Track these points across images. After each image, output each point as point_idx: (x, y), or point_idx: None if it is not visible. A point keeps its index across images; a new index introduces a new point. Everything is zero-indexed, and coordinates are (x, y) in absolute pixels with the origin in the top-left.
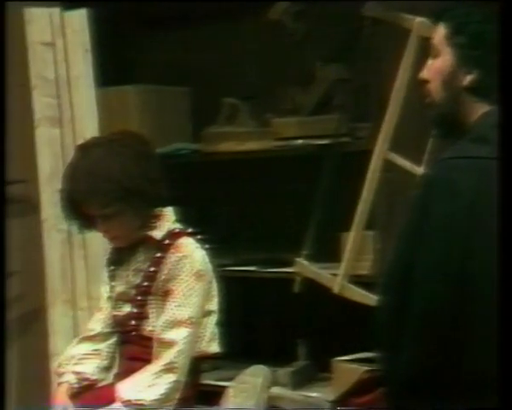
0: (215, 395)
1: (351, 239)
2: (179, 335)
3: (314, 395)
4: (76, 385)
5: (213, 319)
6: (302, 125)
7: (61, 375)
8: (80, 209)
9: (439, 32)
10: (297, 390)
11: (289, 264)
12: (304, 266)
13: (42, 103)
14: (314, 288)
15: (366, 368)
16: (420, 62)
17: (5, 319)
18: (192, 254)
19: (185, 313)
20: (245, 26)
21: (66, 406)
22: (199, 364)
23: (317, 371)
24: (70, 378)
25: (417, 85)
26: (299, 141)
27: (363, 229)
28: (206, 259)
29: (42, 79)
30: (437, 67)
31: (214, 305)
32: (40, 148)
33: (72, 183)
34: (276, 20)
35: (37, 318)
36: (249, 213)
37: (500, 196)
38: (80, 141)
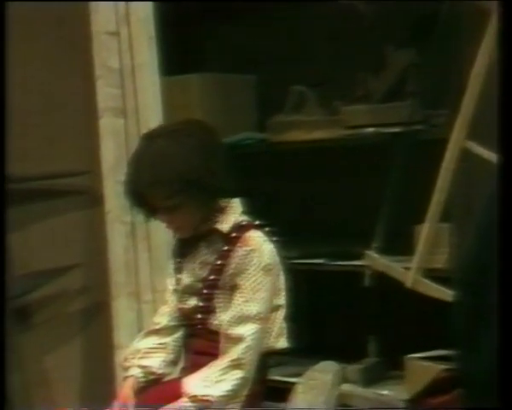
0: (282, 391)
1: (425, 231)
2: (247, 331)
3: (387, 393)
4: (142, 379)
5: (281, 313)
6: (373, 112)
7: (126, 369)
8: (144, 200)
9: None
10: (368, 388)
11: (359, 257)
12: (374, 259)
13: (106, 93)
14: (385, 282)
15: (442, 367)
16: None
17: (5, 319)
18: (260, 247)
19: (253, 308)
20: (314, 11)
21: (127, 403)
22: (266, 359)
23: (387, 369)
24: (136, 372)
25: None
26: (370, 129)
27: (438, 221)
28: (275, 252)
29: (106, 69)
30: None
31: (282, 299)
32: (104, 138)
33: (136, 173)
34: (347, 4)
35: (101, 311)
36: (318, 205)
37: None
38: (145, 131)
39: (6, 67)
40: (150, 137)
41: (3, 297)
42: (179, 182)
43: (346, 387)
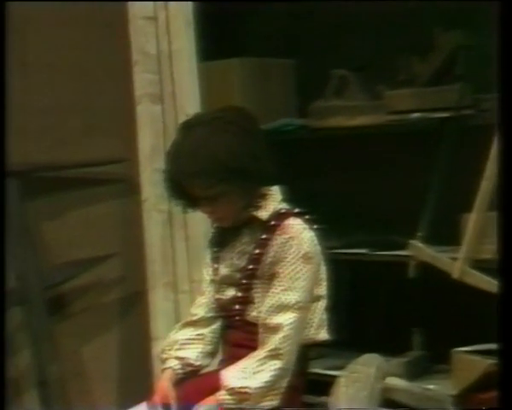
0: (324, 384)
1: (473, 220)
2: (285, 320)
3: (433, 388)
4: (180, 371)
5: (322, 304)
6: (419, 96)
7: (164, 361)
8: (184, 190)
9: None
10: (413, 382)
11: (403, 247)
12: (419, 249)
13: (143, 79)
14: (430, 273)
15: (491, 361)
16: None
17: (5, 318)
18: (299, 235)
19: (292, 297)
20: None
21: (167, 397)
22: (307, 351)
23: (433, 363)
24: (173, 364)
25: None
26: (416, 114)
27: (487, 209)
28: (315, 240)
29: (143, 55)
30: None
31: (323, 290)
32: (141, 125)
33: (176, 163)
34: None
35: (137, 301)
36: (360, 192)
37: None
38: (182, 118)
39: (6, 66)
40: (190, 126)
41: (3, 297)
42: (221, 171)
43: (390, 381)
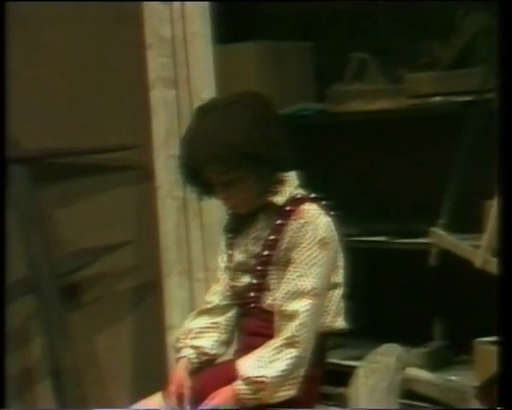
0: (342, 375)
1: (495, 207)
2: (301, 306)
3: (455, 379)
4: (195, 360)
5: (339, 292)
6: (440, 80)
7: (179, 350)
8: (199, 176)
9: None
10: (434, 373)
11: (424, 234)
12: (441, 237)
13: (157, 63)
14: (452, 261)
15: None
16: None
17: (5, 317)
18: (315, 220)
19: (308, 283)
20: None
21: (183, 386)
22: (324, 340)
23: (454, 353)
24: (189, 353)
25: None
26: (437, 98)
27: None
28: (332, 226)
29: (157, 38)
30: None
31: (340, 277)
32: (155, 110)
33: (191, 149)
34: None
35: (151, 290)
36: (379, 179)
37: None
38: (197, 103)
39: (6, 68)
40: (205, 111)
41: (3, 297)
42: (237, 156)
43: (410, 371)
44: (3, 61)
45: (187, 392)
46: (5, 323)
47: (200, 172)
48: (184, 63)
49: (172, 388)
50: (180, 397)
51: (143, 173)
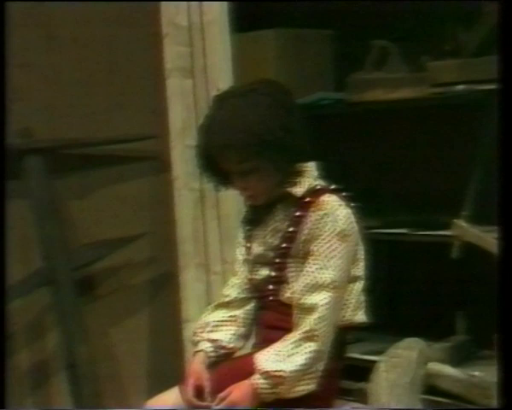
0: (362, 370)
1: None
2: (321, 299)
3: (478, 374)
4: (212, 354)
5: (359, 285)
6: (464, 68)
7: (196, 343)
8: (217, 165)
9: None
10: (457, 368)
11: (446, 226)
12: (464, 229)
13: (173, 52)
14: (475, 253)
15: None
16: None
17: (5, 317)
18: (335, 212)
19: (327, 276)
20: None
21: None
22: (344, 334)
23: (477, 348)
24: (206, 347)
25: None
26: (461, 86)
27: None
28: (352, 218)
29: (174, 27)
30: None
31: (360, 270)
32: (171, 100)
33: (208, 137)
34: None
35: (168, 283)
36: (400, 169)
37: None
38: (214, 92)
39: (5, 68)
40: (223, 98)
41: (3, 296)
42: (256, 144)
43: (432, 366)
44: (3, 60)
45: (206, 385)
46: (5, 323)
47: (217, 162)
48: (201, 52)
49: (190, 382)
50: (199, 391)
51: (160, 164)
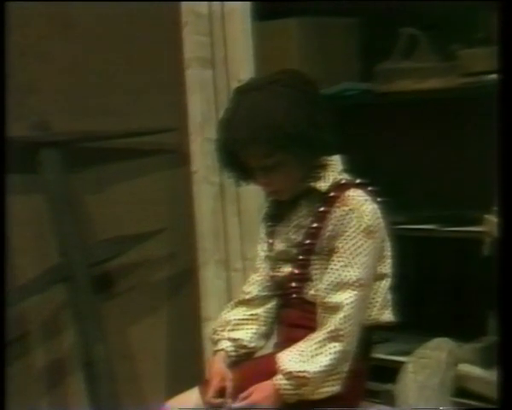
0: (389, 371)
1: None
2: (346, 298)
3: None
4: (233, 353)
5: (386, 283)
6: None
7: (215, 342)
8: (239, 160)
9: None
10: (488, 370)
11: (477, 222)
12: (495, 225)
13: (193, 42)
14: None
15: None
16: None
17: (5, 317)
18: (360, 207)
19: (352, 273)
20: None
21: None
22: (370, 334)
23: None
24: (226, 346)
25: None
26: (493, 76)
27: None
28: (378, 214)
29: (194, 15)
30: None
31: (387, 267)
32: (191, 91)
33: (230, 131)
34: None
35: (187, 279)
36: (428, 162)
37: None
38: (234, 83)
39: (6, 68)
40: (245, 90)
41: (4, 296)
42: (279, 137)
43: (463, 368)
44: (3, 60)
45: (228, 385)
46: (5, 324)
47: (238, 156)
48: (222, 42)
49: (212, 382)
50: (221, 391)
51: (178, 158)
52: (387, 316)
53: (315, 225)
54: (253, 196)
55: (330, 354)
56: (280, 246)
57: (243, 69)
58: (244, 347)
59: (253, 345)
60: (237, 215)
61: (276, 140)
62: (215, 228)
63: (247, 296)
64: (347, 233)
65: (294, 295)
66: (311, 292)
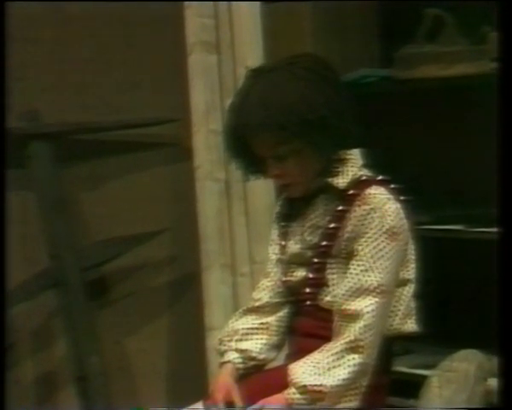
0: (412, 385)
1: None
2: (366, 306)
3: None
4: (240, 366)
5: (409, 290)
6: None
7: (222, 354)
8: (249, 149)
9: None
10: None
11: None
12: None
13: (196, 25)
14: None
15: None
16: None
17: (5, 317)
18: (383, 207)
19: (374, 279)
20: None
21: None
22: (391, 345)
23: None
24: (234, 357)
25: None
26: None
27: None
28: (402, 214)
29: None
30: None
31: (411, 272)
32: (194, 79)
33: (241, 115)
34: None
35: (190, 285)
36: (456, 158)
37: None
38: (241, 70)
39: (5, 64)
40: (259, 72)
41: (3, 297)
42: (296, 123)
43: (493, 382)
44: (3, 60)
45: (237, 400)
46: (5, 325)
47: (250, 145)
48: (228, 24)
49: (218, 396)
50: (227, 406)
51: (180, 151)
52: (410, 326)
53: (332, 225)
54: (262, 194)
55: (349, 366)
56: (293, 248)
57: (251, 55)
58: (253, 358)
59: (262, 357)
60: (244, 215)
61: (292, 126)
62: (220, 229)
63: (257, 303)
64: (368, 235)
65: (309, 302)
66: (327, 299)
